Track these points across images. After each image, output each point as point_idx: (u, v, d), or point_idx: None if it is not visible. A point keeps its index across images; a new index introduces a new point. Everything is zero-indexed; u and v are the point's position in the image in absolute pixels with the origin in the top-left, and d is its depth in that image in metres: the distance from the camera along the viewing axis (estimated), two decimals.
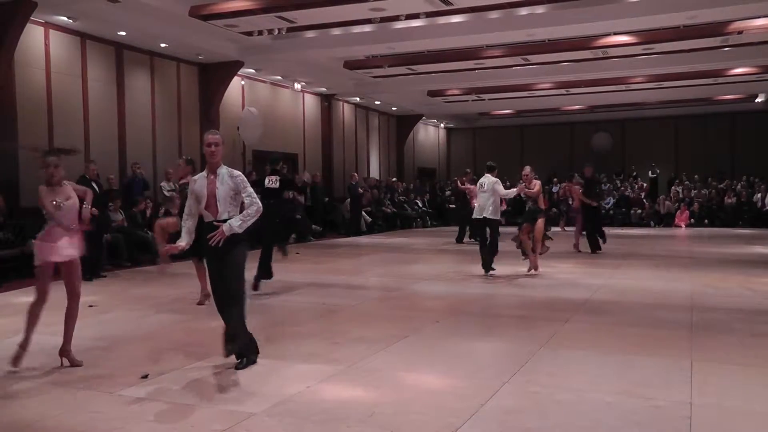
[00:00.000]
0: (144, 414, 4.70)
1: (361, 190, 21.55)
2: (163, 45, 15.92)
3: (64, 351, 5.84)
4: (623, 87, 23.38)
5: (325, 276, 11.65)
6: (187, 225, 5.87)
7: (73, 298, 5.89)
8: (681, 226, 23.47)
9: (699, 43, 17.05)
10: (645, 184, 27.05)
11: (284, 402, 4.88)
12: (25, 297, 6.20)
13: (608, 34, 16.49)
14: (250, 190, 5.85)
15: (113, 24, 14.01)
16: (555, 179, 27.26)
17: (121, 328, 7.54)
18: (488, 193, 11.13)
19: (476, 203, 11.46)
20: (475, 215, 11.37)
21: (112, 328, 7.58)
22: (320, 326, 7.67)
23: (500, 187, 11.35)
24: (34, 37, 13.52)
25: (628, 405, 4.73)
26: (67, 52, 14.35)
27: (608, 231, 15.71)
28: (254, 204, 5.75)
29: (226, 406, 4.81)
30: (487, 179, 11.29)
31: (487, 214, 11.09)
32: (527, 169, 11.87)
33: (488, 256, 11.20)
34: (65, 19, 13.59)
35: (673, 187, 26.28)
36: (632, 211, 25.18)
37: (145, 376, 5.50)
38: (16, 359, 5.77)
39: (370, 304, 9.12)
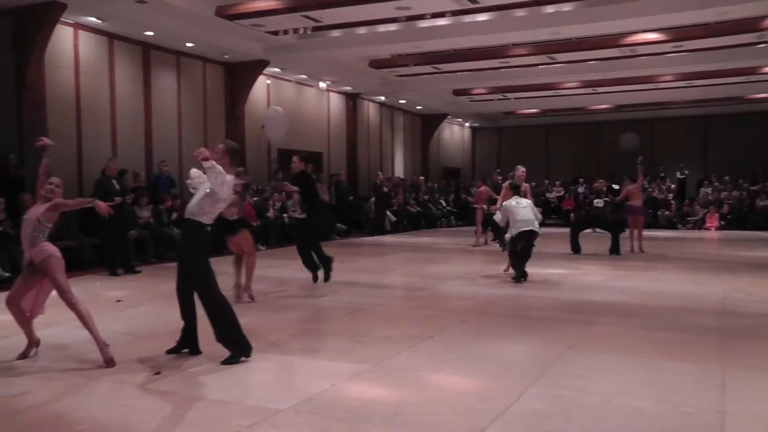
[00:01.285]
0: (171, 408, 4.75)
1: (386, 189, 21.54)
2: (189, 45, 16.02)
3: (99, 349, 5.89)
4: (651, 86, 23.10)
5: (350, 275, 11.64)
6: None
7: (59, 295, 5.92)
8: (710, 229, 23.08)
9: (731, 39, 16.65)
10: (673, 186, 26.68)
11: (310, 399, 4.88)
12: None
13: (636, 32, 16.31)
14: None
15: (141, 24, 14.14)
16: (581, 179, 27.08)
17: (149, 322, 7.60)
18: (528, 208, 10.78)
19: (518, 217, 10.69)
20: (525, 227, 10.62)
21: (139, 322, 7.67)
22: (346, 325, 7.68)
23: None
24: (63, 37, 13.68)
25: (657, 411, 4.66)
26: (96, 53, 14.49)
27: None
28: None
29: (252, 402, 4.82)
30: (522, 199, 10.98)
31: (535, 227, 10.71)
32: (524, 169, 11.71)
33: (523, 265, 10.84)
34: (94, 20, 13.73)
35: (702, 189, 25.89)
36: (659, 213, 24.84)
37: (158, 373, 5.55)
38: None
39: (396, 304, 9.10)
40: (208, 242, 6.14)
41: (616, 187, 15.33)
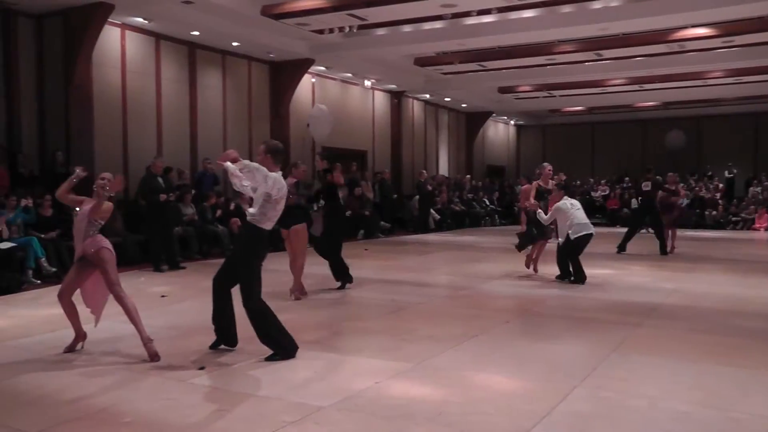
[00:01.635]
0: (214, 403, 4.79)
1: (429, 188, 21.50)
2: (235, 44, 16.17)
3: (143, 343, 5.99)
4: (700, 82, 22.62)
5: (393, 273, 11.66)
6: None
7: (108, 287, 6.10)
8: (760, 229, 22.52)
9: None
10: (721, 185, 26.10)
11: (353, 397, 4.89)
12: None
13: (685, 27, 16.00)
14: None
15: (187, 24, 14.32)
16: (626, 178, 26.70)
17: (193, 318, 7.68)
18: (581, 209, 10.58)
19: (576, 220, 10.35)
20: (585, 231, 10.34)
21: (184, 318, 7.78)
22: (388, 323, 7.68)
23: None
24: (111, 37, 13.92)
25: (703, 415, 4.56)
26: (142, 52, 14.72)
27: (681, 233, 15.24)
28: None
29: (295, 399, 4.84)
30: (574, 200, 10.80)
31: (593, 230, 10.51)
32: (550, 167, 11.38)
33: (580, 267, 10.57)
34: (141, 20, 13.95)
35: (751, 188, 25.30)
36: (707, 213, 24.31)
37: (202, 368, 5.61)
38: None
39: (439, 302, 9.08)
40: (267, 248, 6.18)
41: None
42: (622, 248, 14.64)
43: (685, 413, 4.58)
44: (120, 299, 6.00)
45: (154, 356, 5.84)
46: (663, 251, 14.37)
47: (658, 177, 15.50)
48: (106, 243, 6.12)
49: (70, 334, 6.25)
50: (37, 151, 13.02)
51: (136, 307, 6.06)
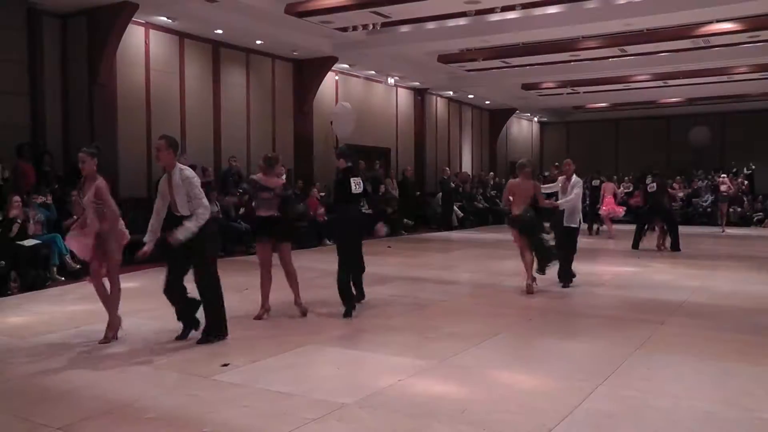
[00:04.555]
0: (237, 399, 4.82)
1: (453, 185, 21.47)
2: (258, 42, 16.22)
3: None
4: (725, 78, 22.34)
5: (416, 270, 11.66)
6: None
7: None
8: None
9: None
10: (746, 182, 25.76)
11: (376, 394, 4.91)
12: (130, 282, 6.53)
13: (710, 22, 15.79)
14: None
15: (211, 23, 14.38)
16: (650, 175, 26.40)
17: None
18: None
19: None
20: None
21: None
22: (411, 320, 7.69)
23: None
24: (135, 36, 14.01)
25: (728, 415, 4.53)
26: (166, 51, 14.80)
27: (703, 230, 15.09)
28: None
29: (318, 396, 4.87)
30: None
31: None
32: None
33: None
34: (165, 19, 14.03)
35: None
36: (731, 210, 23.96)
37: (225, 365, 5.64)
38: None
39: (462, 300, 9.08)
40: None
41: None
42: (635, 246, 14.59)
43: (709, 413, 4.56)
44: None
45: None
46: (675, 247, 14.26)
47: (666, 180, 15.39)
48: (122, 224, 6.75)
49: (94, 330, 6.37)
50: (62, 149, 13.10)
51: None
